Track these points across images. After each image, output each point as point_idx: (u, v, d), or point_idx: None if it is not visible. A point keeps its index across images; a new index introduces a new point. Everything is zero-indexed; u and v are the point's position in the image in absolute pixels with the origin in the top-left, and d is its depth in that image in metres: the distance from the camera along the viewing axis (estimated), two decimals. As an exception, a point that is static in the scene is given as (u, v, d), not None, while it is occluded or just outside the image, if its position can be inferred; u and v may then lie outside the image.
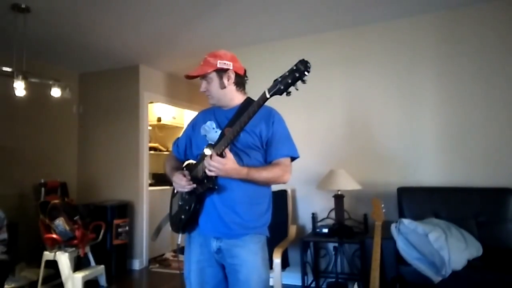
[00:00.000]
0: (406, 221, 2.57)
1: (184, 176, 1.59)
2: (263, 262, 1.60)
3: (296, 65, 1.36)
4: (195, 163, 1.67)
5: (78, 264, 3.62)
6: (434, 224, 2.62)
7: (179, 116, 5.96)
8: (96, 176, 4.78)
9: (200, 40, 3.87)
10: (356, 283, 2.63)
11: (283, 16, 3.36)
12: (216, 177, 1.53)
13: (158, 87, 4.99)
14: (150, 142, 5.00)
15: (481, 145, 3.12)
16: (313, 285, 3.48)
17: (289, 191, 3.60)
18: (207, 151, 1.50)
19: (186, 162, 1.76)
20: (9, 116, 4.07)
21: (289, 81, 1.35)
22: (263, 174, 1.57)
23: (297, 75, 1.34)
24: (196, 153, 1.70)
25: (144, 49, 4.13)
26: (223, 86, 1.64)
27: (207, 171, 1.50)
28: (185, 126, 1.93)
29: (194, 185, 1.57)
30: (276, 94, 1.38)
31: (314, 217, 3.58)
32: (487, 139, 3.10)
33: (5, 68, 3.00)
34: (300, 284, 3.27)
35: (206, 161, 1.48)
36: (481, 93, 3.14)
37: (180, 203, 1.68)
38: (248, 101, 1.67)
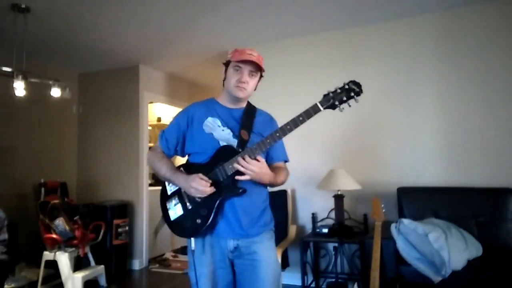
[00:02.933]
0: (406, 221, 2.57)
1: (201, 179, 1.52)
2: (276, 258, 1.66)
3: (348, 84, 1.52)
4: (205, 165, 1.59)
5: (78, 264, 3.62)
6: (434, 224, 2.61)
7: (179, 116, 5.94)
8: (96, 176, 4.78)
9: (200, 40, 3.87)
10: (356, 283, 2.64)
11: (283, 16, 3.35)
12: (240, 180, 1.54)
13: (158, 87, 4.99)
14: (150, 142, 5.00)
15: (481, 145, 3.12)
16: (313, 285, 3.48)
17: (289, 191, 3.60)
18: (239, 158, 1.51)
19: (186, 163, 1.69)
20: (9, 116, 4.07)
21: (344, 98, 1.52)
22: (281, 177, 1.66)
23: (352, 94, 1.51)
24: (199, 150, 1.63)
25: (144, 49, 4.13)
26: (255, 88, 1.70)
27: (238, 177, 1.50)
28: None
29: (214, 189, 1.53)
30: (328, 108, 1.54)
31: (314, 217, 3.58)
32: (487, 139, 3.10)
33: (5, 68, 3.00)
34: (300, 284, 3.27)
35: (242, 164, 1.48)
36: (481, 93, 3.14)
37: (189, 207, 1.59)
38: (250, 105, 1.73)
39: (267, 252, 1.60)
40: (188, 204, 1.60)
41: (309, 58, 3.81)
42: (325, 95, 1.52)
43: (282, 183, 1.69)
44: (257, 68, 1.62)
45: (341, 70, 3.64)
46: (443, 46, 3.29)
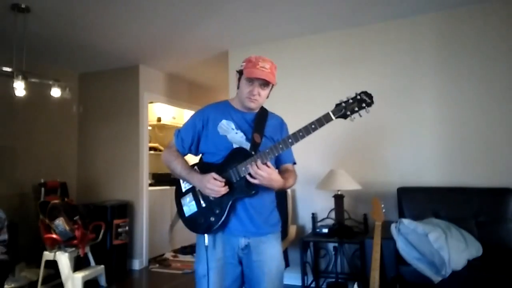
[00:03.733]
0: (406, 221, 2.57)
1: (215, 179, 1.58)
2: (281, 256, 1.77)
3: (360, 95, 1.57)
4: (219, 165, 1.64)
5: (78, 264, 3.62)
6: (434, 224, 2.61)
7: (179, 116, 5.96)
8: (96, 176, 4.78)
9: (200, 40, 3.87)
10: (356, 283, 2.63)
11: (283, 16, 3.35)
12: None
13: (158, 87, 4.99)
14: (150, 142, 5.00)
15: (481, 145, 3.12)
16: (313, 285, 3.48)
17: (289, 191, 3.60)
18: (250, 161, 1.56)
19: (200, 162, 1.75)
20: (9, 116, 4.07)
21: (356, 108, 1.55)
22: (290, 182, 1.72)
23: (363, 105, 1.56)
24: (213, 151, 1.69)
25: (144, 49, 4.13)
26: (267, 97, 1.73)
27: (249, 179, 1.56)
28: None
29: (228, 189, 1.59)
30: (340, 118, 1.56)
31: (314, 217, 3.58)
32: (487, 139, 3.10)
33: (5, 68, 3.00)
34: (300, 284, 3.27)
35: (253, 169, 1.53)
36: (481, 93, 3.14)
37: (202, 204, 1.67)
38: (263, 108, 1.78)
39: (273, 251, 1.71)
40: (202, 202, 1.68)
41: (308, 59, 3.80)
42: (337, 105, 1.56)
43: (291, 187, 1.75)
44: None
45: (341, 70, 3.64)
46: (443, 46, 3.29)
